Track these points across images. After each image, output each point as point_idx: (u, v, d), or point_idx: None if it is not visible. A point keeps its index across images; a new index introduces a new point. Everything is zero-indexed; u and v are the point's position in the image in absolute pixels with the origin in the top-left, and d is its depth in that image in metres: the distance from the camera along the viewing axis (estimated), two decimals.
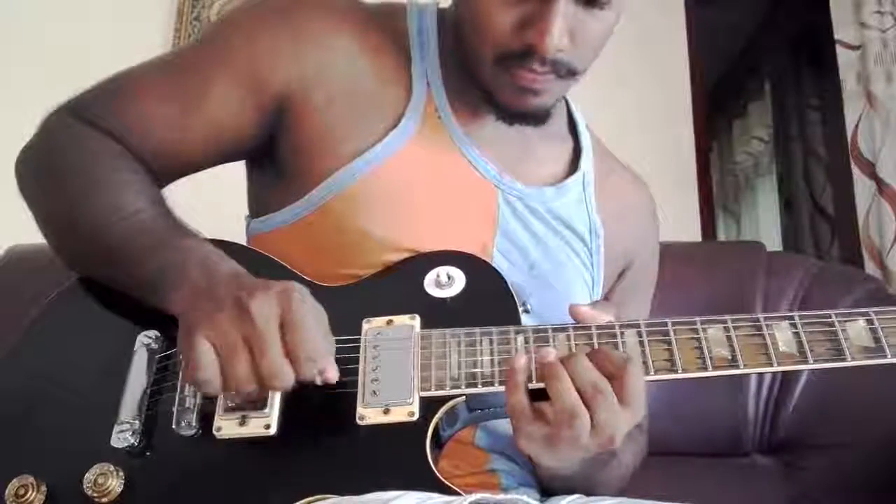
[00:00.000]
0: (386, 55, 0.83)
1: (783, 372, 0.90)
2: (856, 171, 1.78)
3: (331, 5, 0.85)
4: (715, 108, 3.16)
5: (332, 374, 0.65)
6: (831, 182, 2.73)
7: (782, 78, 3.24)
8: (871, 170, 1.74)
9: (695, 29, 2.30)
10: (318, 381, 0.64)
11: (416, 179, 0.80)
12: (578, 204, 0.89)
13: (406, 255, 0.77)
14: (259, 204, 0.87)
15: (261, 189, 0.88)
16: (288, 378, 0.61)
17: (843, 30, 1.86)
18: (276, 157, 0.83)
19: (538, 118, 0.84)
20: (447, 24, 0.86)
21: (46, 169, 0.79)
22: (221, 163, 0.85)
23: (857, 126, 1.79)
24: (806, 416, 1.21)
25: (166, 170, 0.82)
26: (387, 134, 0.79)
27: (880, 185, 1.70)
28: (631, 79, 2.12)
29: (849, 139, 1.80)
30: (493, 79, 0.79)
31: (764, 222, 3.44)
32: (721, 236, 3.51)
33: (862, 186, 1.76)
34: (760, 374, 1.22)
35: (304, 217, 0.79)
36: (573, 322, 0.70)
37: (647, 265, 0.99)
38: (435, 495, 0.60)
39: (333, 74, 0.80)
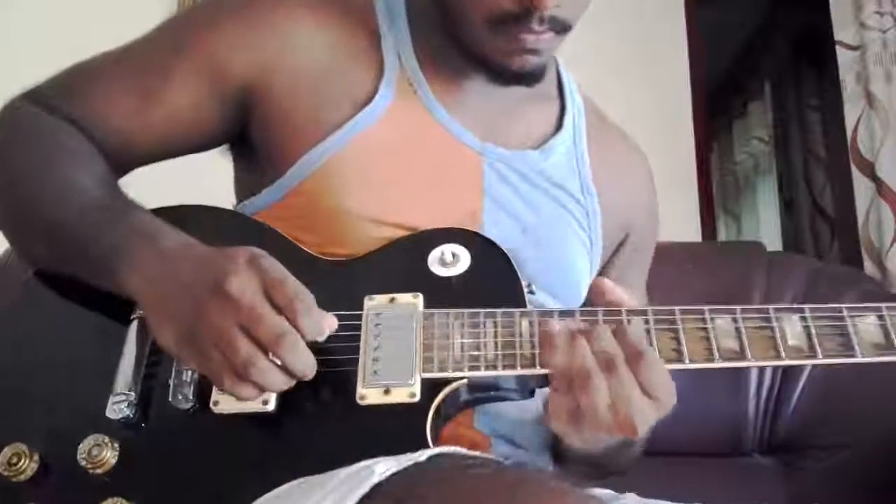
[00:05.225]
0: (352, 35, 0.82)
1: (788, 367, 0.89)
2: (856, 171, 1.78)
3: None
4: (715, 108, 3.16)
5: (333, 321, 0.63)
6: (831, 182, 2.74)
7: (782, 78, 3.25)
8: (870, 170, 1.73)
9: (695, 29, 2.30)
10: (321, 336, 0.62)
11: (390, 153, 0.79)
12: (568, 162, 0.89)
13: (390, 228, 0.76)
14: (241, 189, 0.87)
15: (242, 174, 0.88)
16: (292, 334, 0.59)
17: (843, 30, 1.85)
18: (250, 144, 0.83)
19: (536, 77, 0.82)
20: None
21: None
22: (185, 153, 0.84)
23: (856, 126, 1.78)
24: (806, 416, 1.21)
25: (124, 159, 0.80)
26: (358, 111, 0.78)
27: (880, 185, 1.70)
28: (631, 79, 2.12)
29: (849, 139, 1.80)
30: (486, 42, 0.77)
31: (764, 222, 3.45)
32: (721, 236, 3.51)
33: (862, 186, 1.76)
34: (761, 374, 1.23)
35: (281, 200, 0.78)
36: (568, 299, 0.69)
37: (646, 229, 0.98)
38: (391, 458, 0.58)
39: (294, 58, 0.80)
